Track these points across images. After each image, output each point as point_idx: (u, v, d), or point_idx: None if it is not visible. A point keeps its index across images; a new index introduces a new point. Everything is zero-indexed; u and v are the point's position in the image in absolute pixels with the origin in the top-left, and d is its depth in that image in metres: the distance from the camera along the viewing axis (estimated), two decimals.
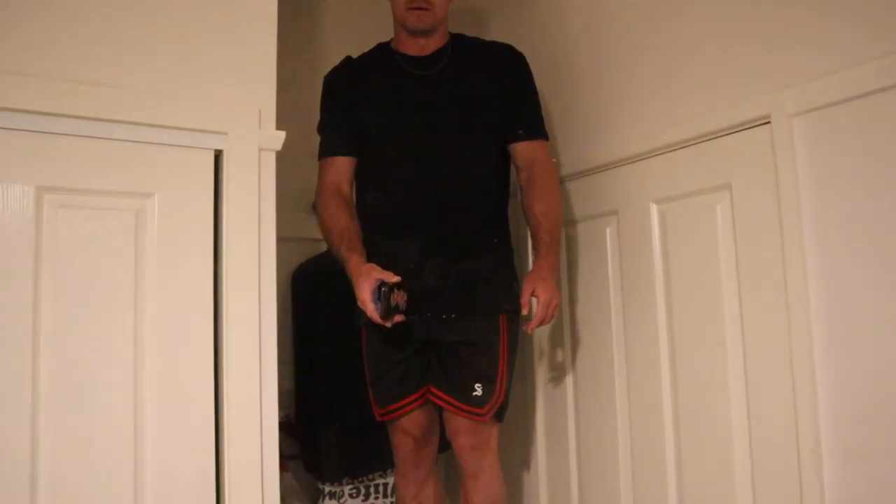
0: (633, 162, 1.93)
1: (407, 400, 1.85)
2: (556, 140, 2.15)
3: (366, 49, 2.01)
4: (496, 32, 2.27)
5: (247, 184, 1.57)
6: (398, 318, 1.68)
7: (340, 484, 2.29)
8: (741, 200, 1.64)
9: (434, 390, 1.84)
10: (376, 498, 2.33)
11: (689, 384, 1.77)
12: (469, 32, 2.02)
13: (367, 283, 1.66)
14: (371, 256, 1.77)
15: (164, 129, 1.49)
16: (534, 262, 1.85)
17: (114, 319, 1.43)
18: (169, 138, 1.50)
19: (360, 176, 1.93)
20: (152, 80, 1.51)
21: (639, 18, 1.94)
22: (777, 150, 1.53)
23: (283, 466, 1.91)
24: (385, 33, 2.00)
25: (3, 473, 1.31)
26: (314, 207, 1.94)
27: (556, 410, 2.21)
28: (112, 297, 1.43)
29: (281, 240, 1.62)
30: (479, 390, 1.79)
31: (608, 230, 2.02)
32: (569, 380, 2.15)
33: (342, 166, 1.90)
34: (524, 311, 1.76)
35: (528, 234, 1.95)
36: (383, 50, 1.98)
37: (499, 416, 1.84)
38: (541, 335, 2.25)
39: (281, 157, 1.63)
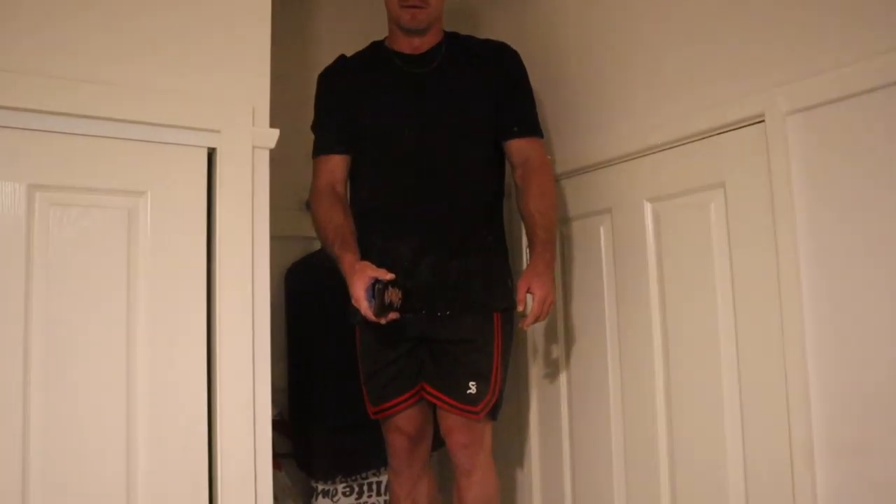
0: (628, 160, 1.93)
1: (401, 398, 1.85)
2: (550, 138, 2.15)
3: (360, 47, 2.00)
4: (490, 31, 2.27)
5: (240, 182, 1.56)
6: (392, 315, 1.68)
7: (334, 482, 2.29)
8: (735, 199, 1.64)
9: (428, 388, 1.84)
10: (370, 496, 2.33)
11: (682, 381, 1.77)
12: (463, 31, 2.02)
13: (362, 280, 1.66)
14: (365, 254, 1.76)
15: (156, 127, 1.49)
16: (529, 259, 1.85)
17: (106, 318, 1.43)
18: (162, 136, 1.49)
19: (354, 174, 1.93)
20: (145, 78, 1.50)
21: (633, 17, 1.94)
22: (771, 148, 1.54)
23: (277, 465, 1.90)
24: (379, 32, 2.00)
25: None
26: (308, 206, 1.93)
27: (549, 408, 2.21)
28: (104, 296, 1.43)
29: (274, 238, 1.61)
30: (473, 388, 1.79)
31: (602, 228, 2.02)
32: (562, 377, 2.16)
33: (336, 165, 1.90)
34: (520, 308, 1.76)
35: (523, 231, 1.95)
36: (377, 48, 1.98)
37: (493, 413, 1.84)
38: (535, 333, 2.25)
39: (274, 155, 1.62)
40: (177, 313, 1.49)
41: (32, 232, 1.37)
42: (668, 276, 1.81)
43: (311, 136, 1.94)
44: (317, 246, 2.24)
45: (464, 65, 1.91)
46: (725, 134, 1.66)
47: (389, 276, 1.66)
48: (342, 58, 1.98)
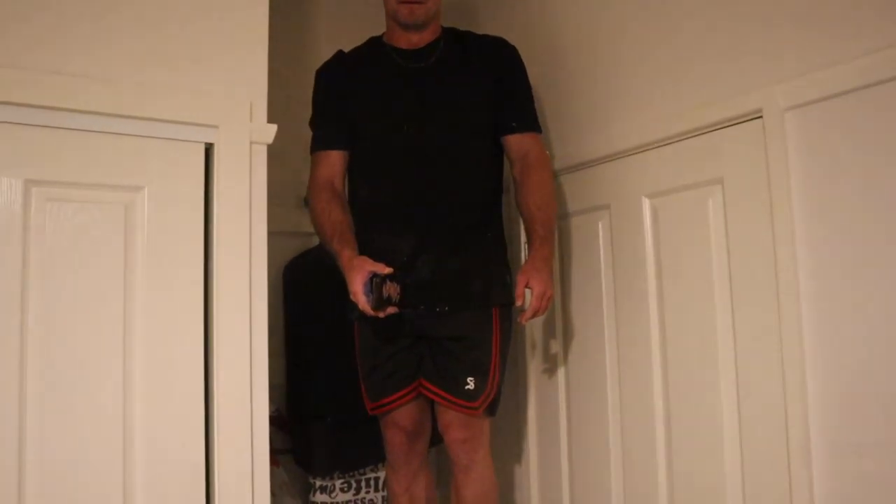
0: (626, 156, 1.93)
1: (399, 394, 1.85)
2: (548, 134, 2.15)
3: (358, 43, 2.00)
4: (489, 27, 2.26)
5: (238, 177, 1.56)
6: (391, 309, 1.67)
7: (331, 478, 2.29)
8: (733, 195, 1.64)
9: (426, 384, 1.84)
10: (367, 492, 2.33)
11: (679, 377, 1.77)
12: (461, 26, 2.01)
13: (360, 275, 1.66)
14: (363, 250, 1.76)
15: (154, 123, 1.48)
16: (527, 254, 1.85)
17: (103, 313, 1.42)
18: (159, 131, 1.49)
19: (352, 170, 1.92)
20: (142, 73, 1.50)
21: (632, 13, 1.94)
22: (769, 144, 1.53)
23: (274, 461, 1.91)
24: (377, 27, 1.99)
25: None
26: (306, 201, 1.93)
27: (547, 403, 2.21)
28: (101, 291, 1.42)
29: (272, 234, 1.61)
30: (471, 384, 1.79)
31: (601, 224, 2.02)
32: (560, 373, 2.16)
33: (334, 161, 1.89)
34: (518, 303, 1.76)
35: (521, 227, 1.95)
36: (375, 44, 1.98)
37: (491, 409, 1.84)
38: (533, 328, 2.25)
39: (272, 150, 1.62)
40: (174, 309, 1.48)
41: (29, 227, 1.36)
42: (666, 272, 1.81)
43: (309, 132, 1.94)
44: (315, 242, 2.24)
45: (462, 60, 1.91)
46: (723, 130, 1.65)
47: (387, 269, 1.66)
48: (340, 53, 1.98)
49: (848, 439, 1.41)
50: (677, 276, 1.78)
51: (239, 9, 1.62)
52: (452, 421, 1.83)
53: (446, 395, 1.81)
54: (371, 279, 1.64)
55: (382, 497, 2.33)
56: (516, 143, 1.91)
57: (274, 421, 1.79)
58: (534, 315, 1.76)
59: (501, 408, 1.88)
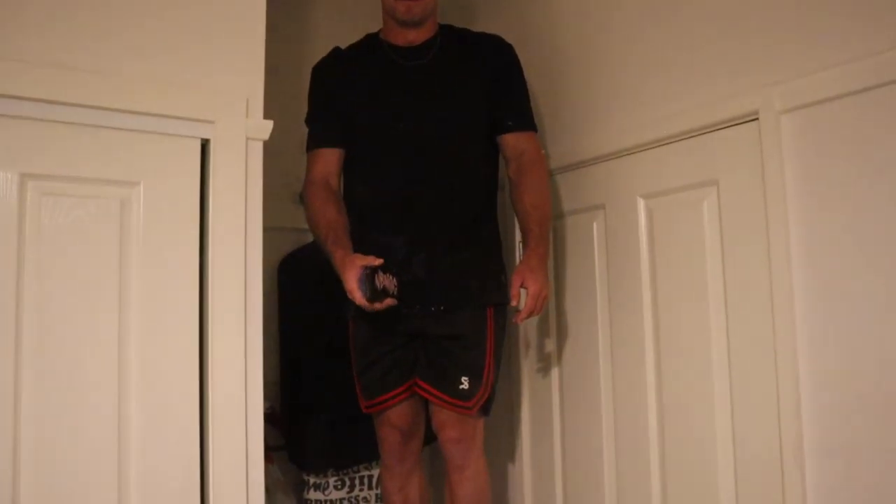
0: (621, 156, 1.93)
1: (393, 392, 1.85)
2: (544, 133, 2.15)
3: (355, 39, 2.00)
4: (485, 24, 2.26)
5: (234, 173, 1.55)
6: (389, 301, 1.67)
7: (325, 475, 2.29)
8: (728, 196, 1.64)
9: (421, 383, 1.84)
10: (361, 489, 2.33)
11: (673, 378, 1.78)
12: (458, 24, 2.01)
13: (353, 272, 1.65)
14: (359, 249, 1.76)
15: (150, 117, 1.48)
16: (523, 253, 1.85)
17: (97, 309, 1.42)
18: (155, 126, 1.49)
19: (348, 168, 1.92)
20: (139, 67, 1.49)
21: (628, 13, 1.94)
22: (764, 146, 1.54)
23: (268, 458, 1.90)
24: (374, 23, 1.99)
25: None
26: (301, 197, 1.93)
27: (541, 403, 2.21)
28: (96, 286, 1.42)
29: (267, 229, 1.61)
30: (465, 383, 1.79)
31: (595, 224, 2.03)
32: (554, 373, 2.16)
33: (330, 158, 1.89)
34: (513, 303, 1.76)
35: (517, 226, 1.95)
36: (372, 41, 1.97)
37: (485, 409, 1.84)
38: (527, 328, 2.25)
39: (268, 146, 1.62)
40: (169, 305, 1.48)
41: (24, 221, 1.36)
42: (660, 273, 1.82)
43: (305, 128, 1.93)
44: (310, 238, 2.23)
45: (458, 58, 1.91)
46: (719, 131, 1.66)
47: (378, 261, 1.66)
48: (336, 50, 1.97)
49: (841, 441, 1.42)
50: (672, 277, 1.79)
51: (236, 4, 1.61)
52: (446, 420, 1.84)
53: (440, 394, 1.81)
54: (363, 272, 1.64)
55: (376, 495, 2.33)
56: (512, 141, 1.91)
57: (268, 418, 1.79)
58: (529, 315, 1.76)
59: (495, 407, 1.88)
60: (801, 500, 1.46)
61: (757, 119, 1.56)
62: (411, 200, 1.83)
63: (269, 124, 1.60)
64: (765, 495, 1.53)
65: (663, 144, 1.80)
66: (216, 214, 1.53)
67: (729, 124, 1.63)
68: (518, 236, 1.98)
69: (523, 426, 2.28)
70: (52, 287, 1.37)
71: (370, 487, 2.34)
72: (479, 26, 2.11)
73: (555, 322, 2.16)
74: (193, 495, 1.48)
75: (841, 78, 1.41)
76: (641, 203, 1.88)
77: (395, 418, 1.89)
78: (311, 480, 2.28)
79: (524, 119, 1.93)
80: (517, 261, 2.04)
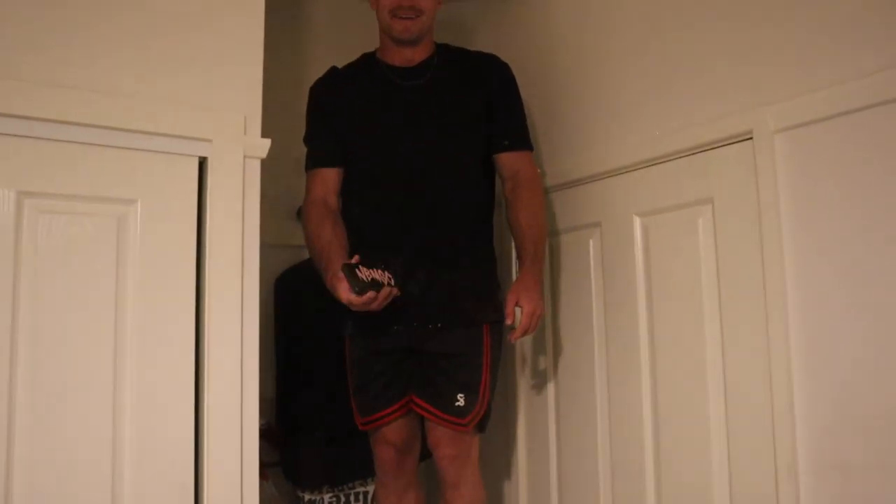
0: (617, 175, 1.94)
1: (389, 409, 1.85)
2: (540, 151, 2.16)
3: (352, 58, 2.01)
4: (481, 43, 2.28)
5: (231, 192, 1.56)
6: (386, 291, 1.64)
7: (320, 492, 2.28)
8: (723, 215, 1.65)
9: (416, 400, 1.84)
10: None
11: (669, 395, 1.78)
12: (454, 43, 2.02)
13: (341, 283, 1.64)
14: None
15: (148, 136, 1.49)
16: (518, 272, 1.85)
17: (94, 326, 1.42)
18: (153, 145, 1.49)
19: (345, 187, 1.92)
20: (137, 86, 1.50)
21: (624, 33, 1.96)
22: (759, 165, 1.55)
23: (264, 474, 1.90)
24: (371, 42, 2.00)
25: None
26: (299, 214, 1.93)
27: (537, 420, 2.21)
28: (92, 304, 1.42)
29: (264, 246, 1.61)
30: (461, 401, 1.79)
31: (591, 242, 2.03)
32: (550, 389, 2.16)
33: (329, 178, 1.90)
34: (508, 321, 1.76)
35: (512, 244, 1.96)
36: (369, 60, 1.98)
37: (481, 426, 1.84)
38: (523, 345, 2.25)
39: (266, 163, 1.62)
40: (166, 322, 1.48)
41: (21, 239, 1.36)
42: (656, 291, 1.82)
43: (303, 146, 1.94)
44: (307, 255, 2.23)
45: (455, 78, 1.92)
46: (714, 150, 1.67)
47: (353, 260, 1.64)
48: (333, 70, 1.98)
49: (835, 458, 1.42)
50: (667, 295, 1.79)
51: (234, 23, 1.62)
52: (442, 437, 1.83)
53: (436, 411, 1.81)
54: (342, 270, 1.61)
55: None
56: (508, 160, 1.92)
57: (264, 434, 1.79)
58: (524, 334, 1.76)
59: (491, 423, 1.88)
60: None
61: (751, 138, 1.57)
62: (408, 219, 1.84)
63: (267, 143, 1.61)
64: None
65: (659, 163, 1.81)
66: (213, 233, 1.53)
67: (723, 143, 1.64)
68: (514, 254, 1.98)
69: (519, 442, 2.28)
70: (47, 305, 1.38)
71: (365, 503, 2.34)
72: (476, 45, 2.13)
73: (551, 339, 2.16)
74: None
75: (835, 98, 1.42)
76: (637, 221, 1.89)
77: (390, 435, 1.88)
78: (307, 497, 2.27)
79: (520, 138, 1.94)
80: (513, 279, 2.04)
